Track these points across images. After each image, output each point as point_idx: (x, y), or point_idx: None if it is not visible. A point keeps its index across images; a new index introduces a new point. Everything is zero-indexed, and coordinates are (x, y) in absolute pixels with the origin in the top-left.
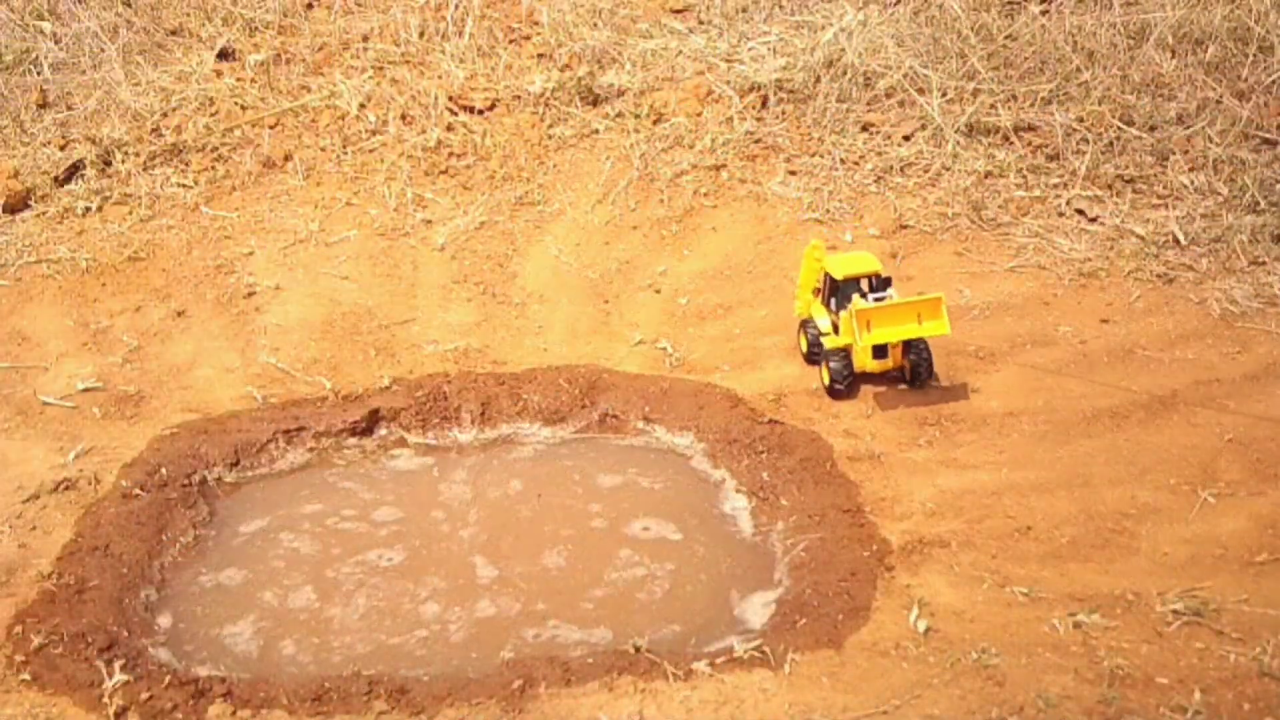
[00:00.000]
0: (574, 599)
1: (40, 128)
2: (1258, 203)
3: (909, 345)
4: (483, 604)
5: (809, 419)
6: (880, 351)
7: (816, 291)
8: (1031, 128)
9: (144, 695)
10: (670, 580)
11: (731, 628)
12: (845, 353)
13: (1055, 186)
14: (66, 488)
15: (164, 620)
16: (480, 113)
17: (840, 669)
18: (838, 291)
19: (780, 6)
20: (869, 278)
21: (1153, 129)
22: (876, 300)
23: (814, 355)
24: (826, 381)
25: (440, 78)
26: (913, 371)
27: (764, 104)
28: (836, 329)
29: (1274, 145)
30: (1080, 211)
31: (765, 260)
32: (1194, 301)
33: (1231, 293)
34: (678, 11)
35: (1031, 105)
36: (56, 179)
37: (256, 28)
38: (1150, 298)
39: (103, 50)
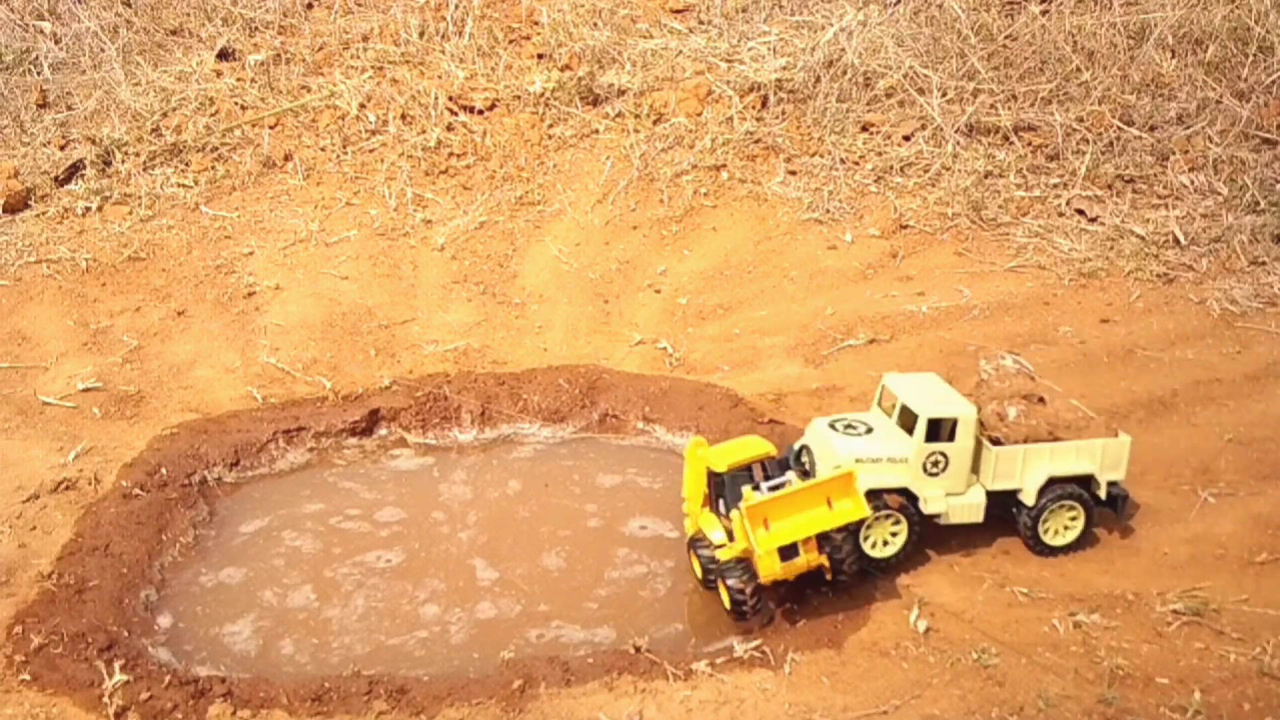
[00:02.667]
0: (574, 599)
1: (40, 128)
2: (1258, 203)
3: (824, 538)
4: (483, 604)
5: (809, 419)
6: (789, 552)
7: (709, 499)
8: (1031, 128)
9: (144, 695)
10: (670, 579)
11: (731, 627)
12: (746, 563)
13: (1055, 186)
14: (66, 488)
15: (164, 620)
16: (480, 113)
17: (840, 669)
18: (724, 488)
19: (780, 6)
20: (761, 463)
21: (1153, 129)
22: (772, 490)
23: (709, 579)
24: (728, 605)
25: (440, 78)
26: (833, 570)
27: (764, 104)
28: (732, 535)
29: (1274, 145)
30: (1080, 211)
31: (765, 260)
32: (1194, 301)
33: (1231, 293)
34: (678, 11)
35: (1031, 105)
36: (56, 179)
37: (256, 28)
38: (1150, 297)
39: (103, 50)
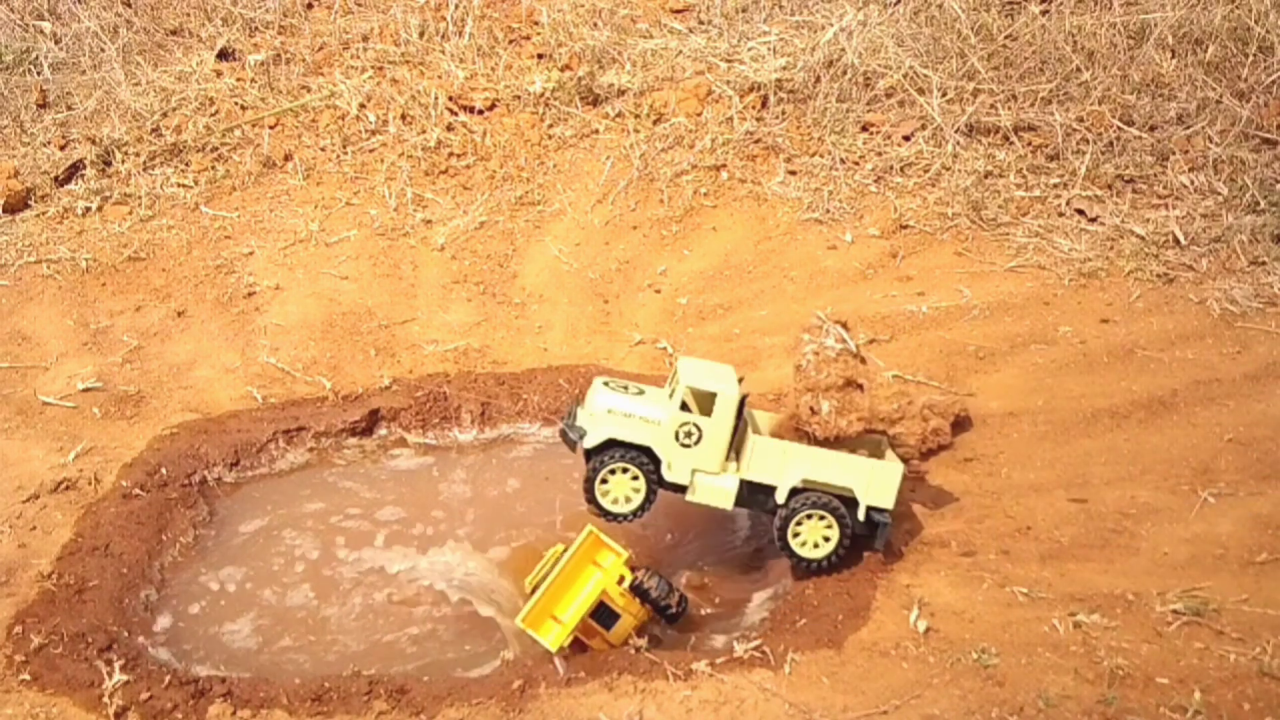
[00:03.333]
0: None
1: (40, 128)
2: (1257, 203)
3: (638, 590)
4: (483, 604)
5: None
6: (607, 618)
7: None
8: (1031, 127)
9: (144, 695)
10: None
11: (731, 627)
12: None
13: (1055, 186)
14: (66, 488)
15: (164, 620)
16: (480, 113)
17: (840, 669)
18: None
19: (780, 6)
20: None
21: (1153, 129)
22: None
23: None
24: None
25: (440, 78)
26: (660, 612)
27: (764, 104)
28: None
29: (1274, 145)
30: (1080, 211)
31: (765, 260)
32: (1194, 301)
33: (1231, 293)
34: (678, 11)
35: (1031, 105)
36: (56, 179)
37: (256, 28)
38: (1150, 297)
39: (103, 50)
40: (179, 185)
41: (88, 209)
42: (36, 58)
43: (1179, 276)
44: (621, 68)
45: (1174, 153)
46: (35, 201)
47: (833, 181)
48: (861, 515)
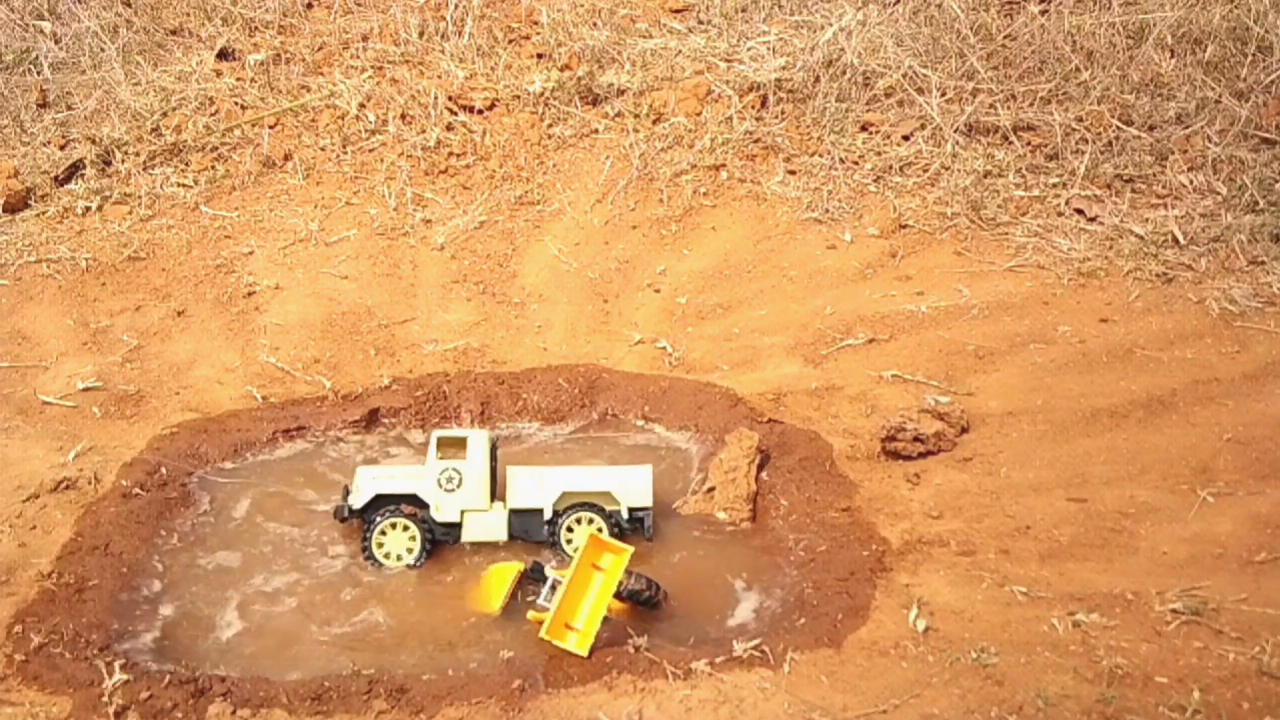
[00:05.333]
0: None
1: (40, 128)
2: (1257, 202)
3: (627, 597)
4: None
5: (808, 418)
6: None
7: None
8: (1030, 127)
9: (144, 695)
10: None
11: (731, 627)
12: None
13: (1054, 186)
14: (66, 487)
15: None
16: (480, 112)
17: (839, 668)
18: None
19: (780, 6)
20: (522, 575)
21: (1152, 129)
22: (546, 600)
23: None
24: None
25: (440, 77)
26: (646, 605)
27: (763, 104)
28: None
29: (1273, 145)
30: (1079, 211)
31: (765, 260)
32: (1193, 301)
33: (1230, 292)
34: (677, 11)
35: (1031, 105)
36: (56, 179)
37: (256, 28)
38: (1149, 297)
39: (103, 50)
40: (179, 185)
41: (88, 209)
42: (36, 57)
43: (1178, 276)
44: (621, 67)
45: (1173, 152)
46: (35, 201)
47: (832, 181)
48: (625, 515)
